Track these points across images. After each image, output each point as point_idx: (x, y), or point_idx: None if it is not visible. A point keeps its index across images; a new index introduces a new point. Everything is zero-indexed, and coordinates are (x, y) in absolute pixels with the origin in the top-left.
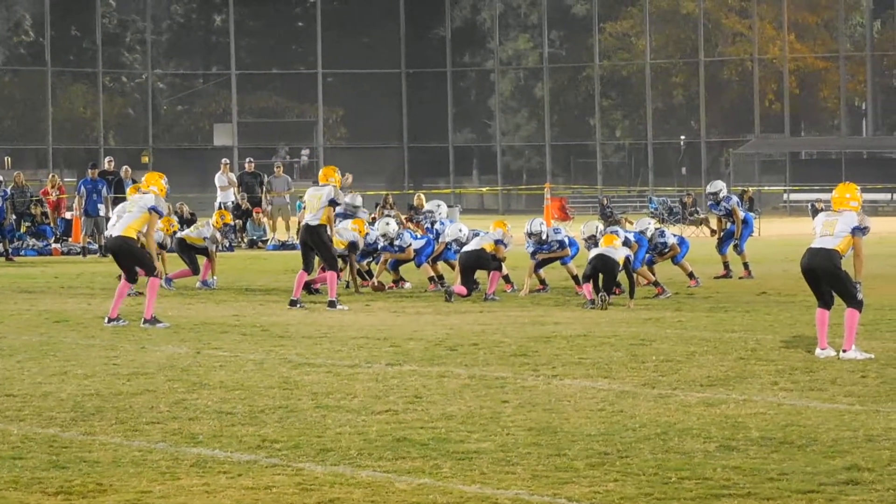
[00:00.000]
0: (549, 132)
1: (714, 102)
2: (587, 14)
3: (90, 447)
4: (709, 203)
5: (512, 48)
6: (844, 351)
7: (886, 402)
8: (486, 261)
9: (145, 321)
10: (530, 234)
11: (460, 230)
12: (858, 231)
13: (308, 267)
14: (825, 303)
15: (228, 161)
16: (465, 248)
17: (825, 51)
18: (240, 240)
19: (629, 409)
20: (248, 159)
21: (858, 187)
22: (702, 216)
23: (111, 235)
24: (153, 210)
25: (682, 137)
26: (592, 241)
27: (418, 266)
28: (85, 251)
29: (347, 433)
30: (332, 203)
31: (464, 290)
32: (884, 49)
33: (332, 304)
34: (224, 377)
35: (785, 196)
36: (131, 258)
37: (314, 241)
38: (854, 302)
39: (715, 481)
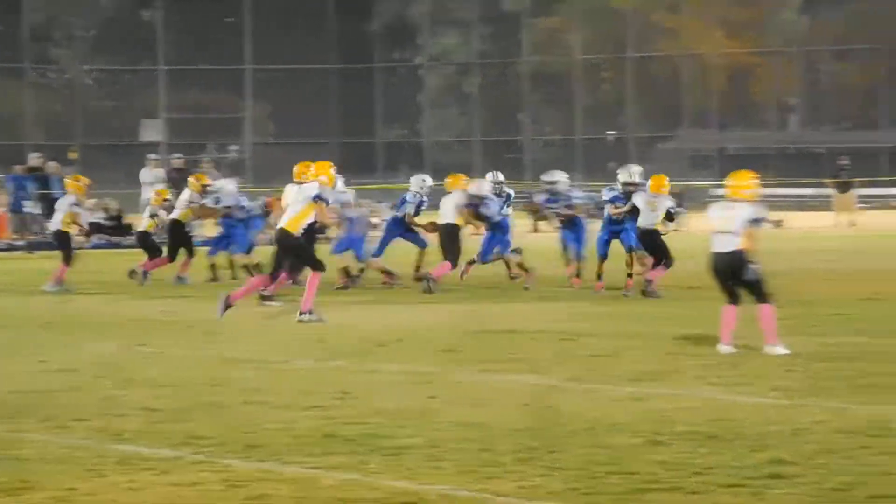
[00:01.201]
0: (479, 127)
1: (643, 98)
2: (517, 10)
3: (17, 444)
4: (544, 198)
5: (441, 44)
6: (769, 345)
7: (812, 396)
8: (457, 236)
9: (301, 314)
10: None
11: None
12: (755, 223)
13: (274, 273)
14: (733, 299)
15: (157, 157)
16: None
17: (754, 46)
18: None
19: (557, 404)
20: (175, 155)
21: (755, 177)
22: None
23: (279, 227)
24: (318, 199)
25: (611, 133)
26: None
27: (361, 261)
28: (30, 246)
29: (275, 429)
30: (318, 199)
31: (446, 268)
32: (813, 45)
33: (308, 313)
34: (153, 374)
35: (713, 191)
36: (292, 253)
37: (287, 246)
38: (764, 298)
39: (642, 476)
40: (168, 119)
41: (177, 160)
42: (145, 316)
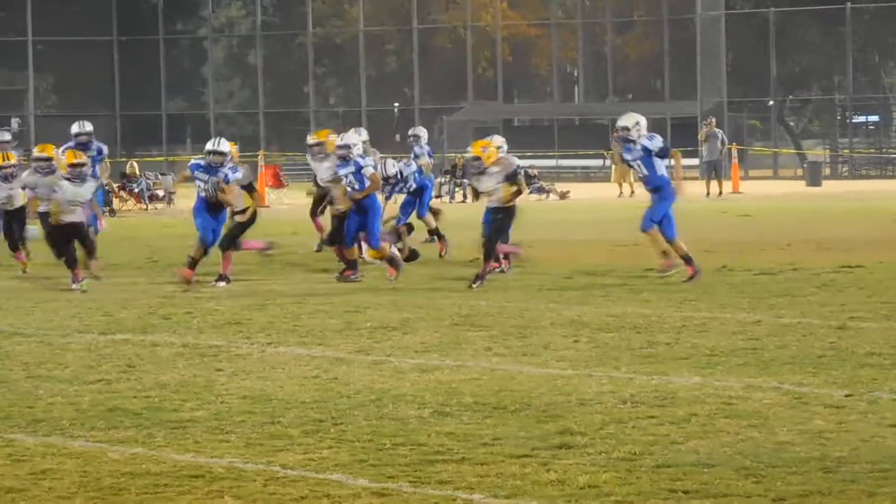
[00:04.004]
0: (263, 100)
1: (428, 69)
2: None
3: None
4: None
5: (225, 16)
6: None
7: (598, 366)
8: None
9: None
10: None
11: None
12: (512, 177)
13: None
14: None
15: None
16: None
17: (537, 18)
18: None
19: (343, 376)
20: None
21: (491, 143)
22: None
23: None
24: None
25: (396, 104)
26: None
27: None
28: None
29: (59, 403)
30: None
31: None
32: (594, 17)
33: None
34: None
35: None
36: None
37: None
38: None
39: (429, 447)
40: None
41: None
42: None
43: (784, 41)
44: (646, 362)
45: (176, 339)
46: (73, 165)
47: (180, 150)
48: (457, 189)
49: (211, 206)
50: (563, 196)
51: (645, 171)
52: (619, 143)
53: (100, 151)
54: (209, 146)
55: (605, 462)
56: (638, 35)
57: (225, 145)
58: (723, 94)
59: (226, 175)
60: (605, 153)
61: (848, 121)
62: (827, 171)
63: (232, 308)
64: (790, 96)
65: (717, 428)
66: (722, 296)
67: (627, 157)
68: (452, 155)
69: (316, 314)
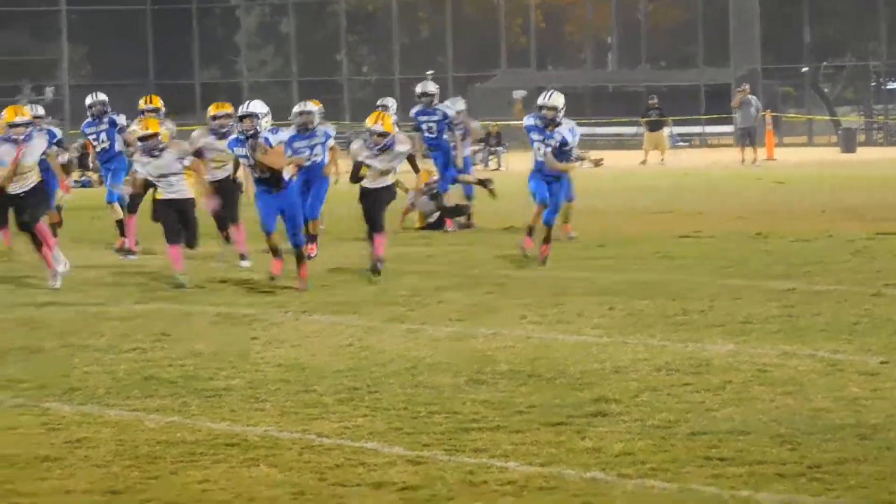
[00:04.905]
0: (296, 68)
1: (460, 37)
2: None
3: None
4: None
5: None
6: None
7: (633, 333)
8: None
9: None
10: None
11: None
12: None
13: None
14: None
15: None
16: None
17: None
18: None
19: (377, 344)
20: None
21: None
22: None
23: None
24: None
25: (429, 72)
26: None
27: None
28: None
29: (95, 372)
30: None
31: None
32: None
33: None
34: None
35: None
36: None
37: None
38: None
39: (464, 415)
40: None
41: None
42: None
43: (817, 7)
44: (680, 330)
45: (210, 308)
46: (142, 139)
47: None
48: (491, 157)
49: (267, 184)
50: (597, 164)
51: (545, 158)
52: (537, 121)
53: (112, 123)
54: (240, 110)
55: (640, 430)
56: (671, 2)
57: (256, 106)
58: (756, 61)
59: (266, 138)
60: (641, 120)
61: (882, 87)
62: (861, 137)
63: (266, 277)
64: (824, 63)
65: (752, 395)
66: (756, 263)
67: (536, 137)
68: (487, 123)
69: (350, 282)
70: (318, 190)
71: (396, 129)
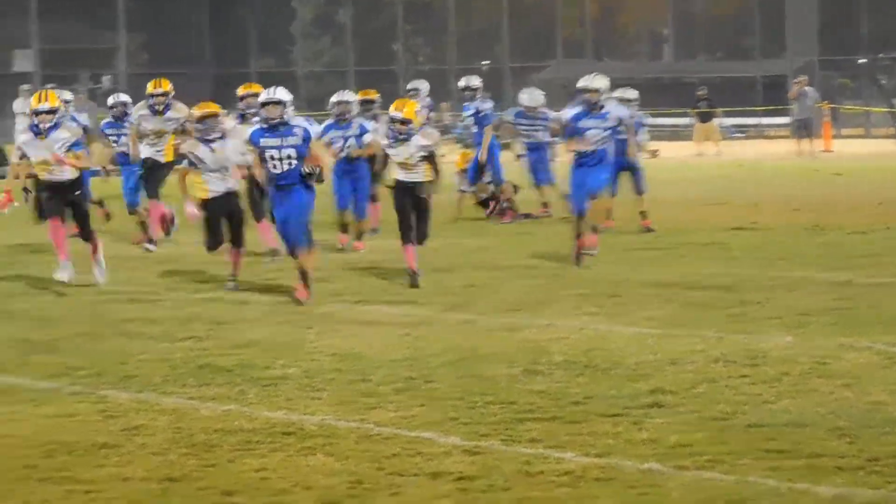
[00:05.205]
0: (352, 58)
1: (517, 28)
2: None
3: None
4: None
5: None
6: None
7: (688, 325)
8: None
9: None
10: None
11: None
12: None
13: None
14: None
15: (30, 87)
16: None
17: None
18: None
19: (433, 334)
20: (49, 86)
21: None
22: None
23: None
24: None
25: (485, 63)
26: None
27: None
28: None
29: (151, 360)
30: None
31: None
32: None
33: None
34: (25, 306)
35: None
36: None
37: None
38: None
39: (520, 405)
40: (40, 49)
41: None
42: (12, 248)
43: None
44: (736, 322)
45: (265, 297)
46: (199, 120)
47: None
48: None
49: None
50: (653, 154)
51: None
52: (582, 106)
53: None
54: (263, 96)
55: (696, 421)
56: None
57: (282, 93)
58: (813, 53)
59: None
60: (691, 112)
61: None
62: None
63: (321, 267)
64: (881, 54)
65: (810, 388)
66: (813, 255)
67: (590, 123)
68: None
69: (403, 273)
70: (361, 188)
71: (425, 119)
